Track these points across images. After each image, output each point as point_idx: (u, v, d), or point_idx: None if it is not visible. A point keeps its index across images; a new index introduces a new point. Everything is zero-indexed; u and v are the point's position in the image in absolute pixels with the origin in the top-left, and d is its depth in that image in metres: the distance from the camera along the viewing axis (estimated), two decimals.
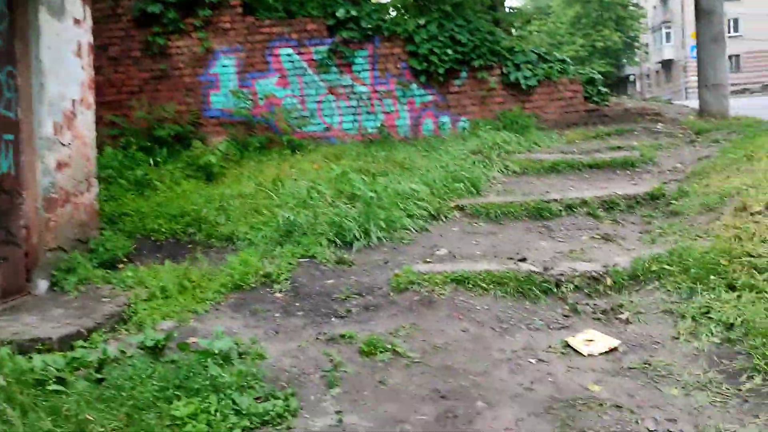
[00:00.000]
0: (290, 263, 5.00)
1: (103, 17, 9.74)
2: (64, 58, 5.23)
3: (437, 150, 8.35)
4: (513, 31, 12.37)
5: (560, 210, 5.75)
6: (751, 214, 4.14)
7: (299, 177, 7.01)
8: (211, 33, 9.88)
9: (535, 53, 10.07)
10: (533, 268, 4.19)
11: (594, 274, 4.06)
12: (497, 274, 4.12)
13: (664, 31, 52.68)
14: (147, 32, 9.76)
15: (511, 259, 4.55)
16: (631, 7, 51.62)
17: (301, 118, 9.97)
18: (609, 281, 3.99)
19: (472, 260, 4.65)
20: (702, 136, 8.27)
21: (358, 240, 5.37)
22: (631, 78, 60.48)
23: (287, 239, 5.49)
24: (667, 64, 52.90)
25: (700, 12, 9.18)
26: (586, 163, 7.31)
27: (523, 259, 4.43)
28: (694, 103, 17.77)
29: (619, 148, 7.82)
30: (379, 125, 10.01)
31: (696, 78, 35.83)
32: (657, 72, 55.73)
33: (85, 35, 5.64)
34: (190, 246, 5.93)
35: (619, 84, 56.85)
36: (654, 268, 3.92)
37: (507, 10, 11.93)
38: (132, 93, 9.89)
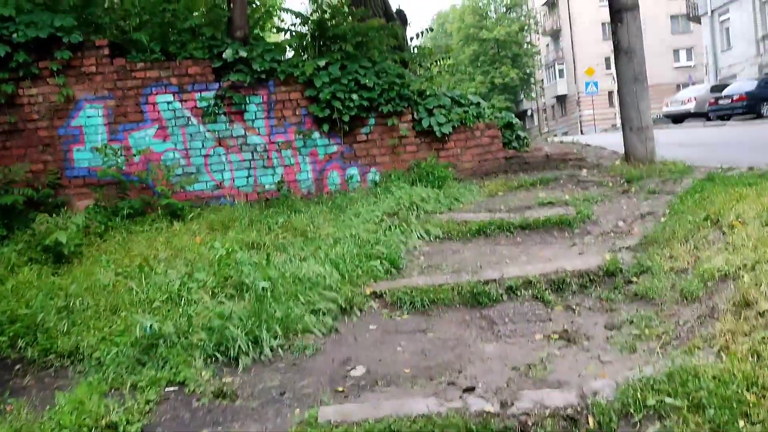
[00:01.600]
0: (149, 399, 3.60)
1: None
2: None
3: (345, 211, 7.16)
4: (419, 71, 11.49)
5: (500, 294, 4.66)
6: (760, 314, 3.17)
7: (174, 258, 5.59)
8: (72, 78, 8.31)
9: (449, 97, 9.16)
10: (487, 407, 3.02)
11: (570, 411, 2.94)
12: (440, 422, 2.91)
13: (557, 67, 54.71)
14: None
15: (452, 384, 3.37)
16: (526, 46, 53.34)
17: (186, 175, 8.53)
18: (591, 423, 2.88)
19: (401, 388, 3.44)
20: (634, 185, 7.53)
21: (245, 354, 4.04)
22: (529, 113, 62.36)
23: (150, 356, 4.08)
24: (561, 99, 54.84)
25: (619, 51, 8.58)
26: (518, 223, 6.33)
27: (471, 389, 3.25)
28: (589, 138, 17.65)
29: (550, 203, 6.91)
30: (277, 181, 8.74)
31: (590, 112, 36.78)
32: (552, 106, 57.72)
33: None
34: (18, 368, 4.38)
35: (518, 118, 58.33)
36: (651, 401, 2.84)
37: (413, 50, 11.03)
38: None
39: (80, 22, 8.43)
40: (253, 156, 8.74)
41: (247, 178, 8.75)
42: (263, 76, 8.65)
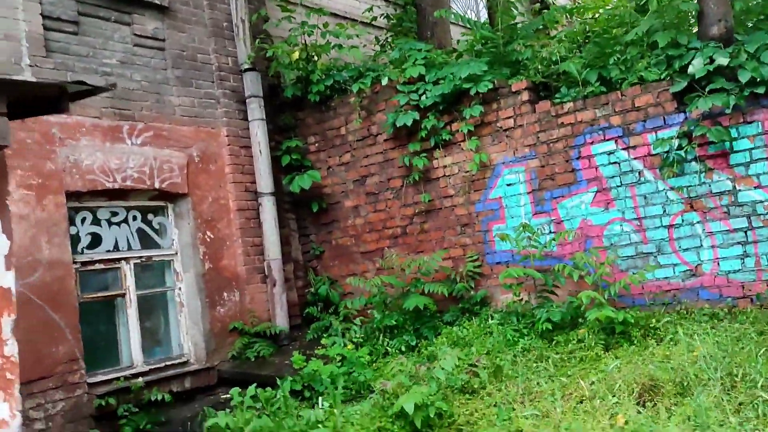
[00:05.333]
0: None
1: (359, 141, 7.36)
2: None
3: None
4: None
5: None
6: None
7: None
8: (486, 138, 6.55)
9: None
10: None
11: None
12: None
13: None
14: (405, 153, 6.97)
15: None
16: None
17: (640, 257, 5.73)
18: None
19: None
20: None
21: None
22: None
23: None
24: None
25: None
26: None
27: None
28: None
29: None
30: None
31: None
32: None
33: None
34: None
35: None
36: None
37: None
38: (395, 237, 7.14)
39: (494, 65, 6.62)
40: (749, 223, 5.31)
41: (743, 258, 5.35)
42: (760, 91, 5.17)
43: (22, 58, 5.54)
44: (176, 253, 6.57)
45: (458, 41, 8.14)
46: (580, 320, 5.27)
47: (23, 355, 5.18)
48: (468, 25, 7.47)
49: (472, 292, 6.50)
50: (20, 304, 5.19)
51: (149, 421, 5.63)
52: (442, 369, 4.26)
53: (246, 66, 7.11)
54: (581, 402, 3.82)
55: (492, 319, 5.81)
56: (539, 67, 6.50)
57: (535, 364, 4.65)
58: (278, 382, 5.05)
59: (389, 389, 4.07)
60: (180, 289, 6.54)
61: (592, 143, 5.97)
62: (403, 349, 5.90)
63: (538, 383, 4.28)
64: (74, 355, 5.52)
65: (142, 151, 6.23)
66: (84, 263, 5.85)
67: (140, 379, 5.82)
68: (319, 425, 4.17)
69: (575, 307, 5.32)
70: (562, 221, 6.14)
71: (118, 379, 5.74)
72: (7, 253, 2.85)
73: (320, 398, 4.51)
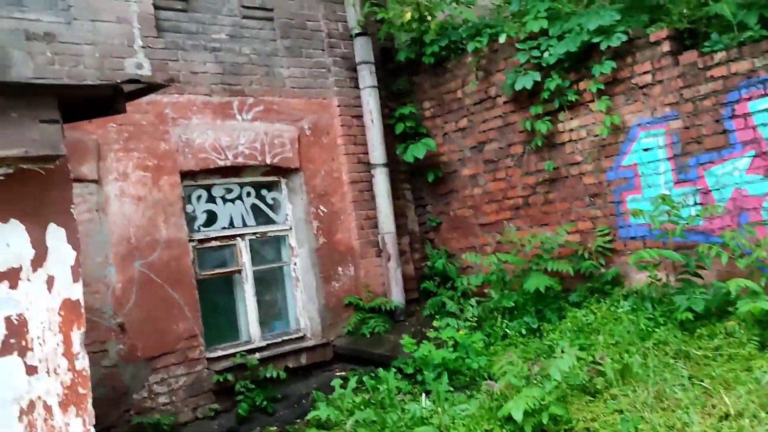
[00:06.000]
0: None
1: (476, 104, 6.86)
2: None
3: None
4: None
5: None
6: None
7: None
8: (619, 98, 5.79)
9: None
10: None
11: None
12: None
13: None
14: (526, 116, 6.37)
15: None
16: None
17: None
18: None
19: None
20: None
21: None
22: None
23: None
24: None
25: None
26: None
27: None
28: None
29: None
30: None
31: None
32: None
33: None
34: None
35: None
36: None
37: None
38: (516, 209, 6.63)
39: (629, 12, 5.80)
40: None
41: None
42: None
43: (135, 39, 5.59)
44: (291, 228, 6.51)
45: None
46: (729, 309, 4.53)
47: (146, 332, 5.42)
48: None
49: (602, 270, 5.89)
50: (141, 283, 5.42)
51: (265, 398, 5.68)
52: (559, 369, 3.81)
53: (357, 31, 6.81)
54: (725, 418, 3.23)
55: (623, 304, 5.19)
56: (684, 11, 5.59)
57: (671, 361, 4.04)
58: (381, 369, 4.84)
59: (496, 391, 3.70)
60: (295, 264, 6.50)
61: (749, 99, 5.04)
62: (524, 331, 5.47)
63: (672, 387, 3.70)
64: (194, 331, 5.65)
65: (253, 127, 6.17)
66: (200, 241, 5.94)
67: (256, 354, 5.88)
68: (424, 422, 3.91)
69: (723, 293, 4.59)
70: (711, 191, 5.30)
71: (235, 355, 5.81)
72: (73, 264, 2.76)
73: (423, 395, 4.23)
